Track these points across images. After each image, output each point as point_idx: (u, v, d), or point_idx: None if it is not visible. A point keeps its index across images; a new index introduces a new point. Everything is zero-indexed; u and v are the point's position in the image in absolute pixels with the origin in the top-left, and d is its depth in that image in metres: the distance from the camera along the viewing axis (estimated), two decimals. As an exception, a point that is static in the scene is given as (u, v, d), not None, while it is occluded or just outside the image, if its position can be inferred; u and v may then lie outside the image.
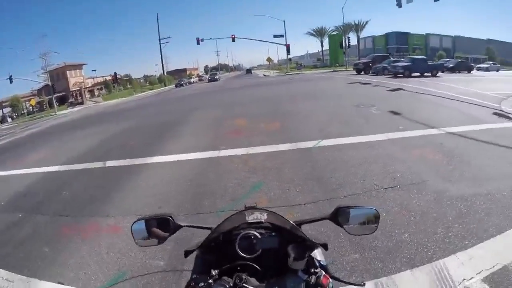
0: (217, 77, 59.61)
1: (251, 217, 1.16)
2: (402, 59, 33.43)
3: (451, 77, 25.50)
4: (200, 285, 0.95)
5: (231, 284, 0.95)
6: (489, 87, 15.34)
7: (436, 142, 6.37)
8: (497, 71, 39.93)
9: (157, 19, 67.25)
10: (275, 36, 51.01)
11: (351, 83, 21.87)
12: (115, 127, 12.79)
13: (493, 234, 3.13)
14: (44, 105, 49.57)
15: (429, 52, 65.01)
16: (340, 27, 60.14)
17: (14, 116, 46.60)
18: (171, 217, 1.21)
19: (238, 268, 1.03)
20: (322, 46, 71.73)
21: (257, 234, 1.09)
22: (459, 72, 31.67)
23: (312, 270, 1.01)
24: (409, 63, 27.03)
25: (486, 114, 8.94)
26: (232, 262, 1.05)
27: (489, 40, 64.79)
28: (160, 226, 1.22)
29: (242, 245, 1.08)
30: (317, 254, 1.16)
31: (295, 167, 5.64)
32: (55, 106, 41.39)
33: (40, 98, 50.34)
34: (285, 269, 1.02)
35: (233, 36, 48.16)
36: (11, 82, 38.07)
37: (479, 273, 2.57)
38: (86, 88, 59.08)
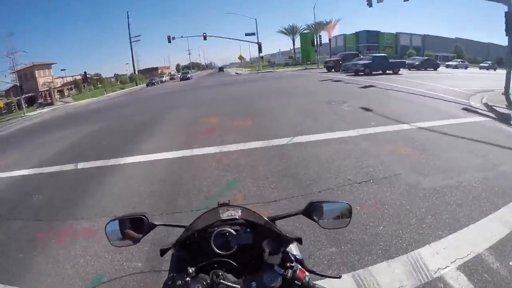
0: (189, 75, 58.97)
1: (225, 214, 1.17)
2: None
3: (418, 74, 26.19)
4: (177, 283, 0.95)
5: (208, 281, 0.96)
6: (458, 84, 15.98)
7: (407, 137, 6.57)
8: (466, 68, 41.68)
9: (127, 17, 65.58)
10: (246, 35, 50.84)
11: (322, 80, 22.18)
12: (86, 128, 12.40)
13: (465, 224, 3.27)
14: (13, 107, 47.42)
15: (400, 50, 67.12)
16: (312, 26, 60.83)
17: (-20, 119, 44.38)
18: (145, 216, 1.21)
19: (215, 265, 1.03)
20: (294, 44, 72.52)
21: (232, 231, 1.10)
22: (425, 70, 32.58)
23: (288, 264, 1.03)
24: (370, 61, 26.92)
25: (455, 109, 9.31)
26: (208, 260, 1.05)
27: (457, 39, 67.52)
28: (135, 226, 1.21)
29: (217, 242, 1.09)
30: (293, 248, 1.19)
31: (269, 164, 5.67)
32: (24, 107, 39.70)
33: (8, 99, 48.11)
34: (261, 265, 1.03)
35: (204, 34, 47.65)
36: (-23, 83, 36.20)
37: (454, 261, 2.68)
38: (56, 88, 57.01)
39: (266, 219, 1.16)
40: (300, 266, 1.05)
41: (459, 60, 47.78)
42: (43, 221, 4.54)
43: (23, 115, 34.80)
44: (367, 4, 22.54)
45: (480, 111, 9.14)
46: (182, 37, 58.66)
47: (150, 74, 78.03)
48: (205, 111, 12.43)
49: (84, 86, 53.65)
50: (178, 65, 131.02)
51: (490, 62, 45.55)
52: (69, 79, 64.41)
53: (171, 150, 7.25)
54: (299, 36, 67.35)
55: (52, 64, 60.83)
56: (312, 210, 1.20)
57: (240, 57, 63.03)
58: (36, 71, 55.43)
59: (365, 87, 16.05)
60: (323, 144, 6.45)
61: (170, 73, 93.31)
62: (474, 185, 4.17)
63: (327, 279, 1.19)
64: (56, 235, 4.05)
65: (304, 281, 1.01)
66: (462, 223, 3.30)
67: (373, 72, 25.27)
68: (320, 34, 55.74)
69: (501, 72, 18.53)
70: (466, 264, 2.65)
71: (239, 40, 57.59)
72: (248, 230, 1.13)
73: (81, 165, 7.02)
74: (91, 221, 4.26)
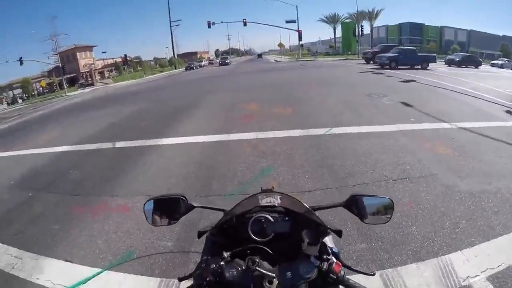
0: (228, 61, 58.92)
1: (265, 201, 1.16)
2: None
3: (459, 71, 24.25)
4: (211, 266, 0.95)
5: (243, 267, 0.95)
6: (502, 84, 15.01)
7: (447, 136, 6.29)
8: (512, 68, 38.97)
9: (168, 1, 66.63)
10: (287, 22, 50.36)
11: (362, 72, 21.53)
12: (125, 110, 12.81)
13: (500, 233, 3.10)
14: (55, 87, 49.97)
15: (444, 44, 63.92)
16: (354, 15, 59.23)
17: (25, 97, 47.06)
18: (184, 197, 1.21)
19: (249, 251, 1.02)
20: (334, 33, 70.84)
21: (270, 218, 1.08)
22: (466, 67, 30.13)
23: (325, 257, 1.00)
24: (396, 54, 25.26)
25: (498, 111, 8.77)
26: (243, 245, 1.04)
27: (504, 37, 63.31)
28: (173, 207, 1.22)
29: (254, 228, 1.07)
30: (328, 241, 1.16)
31: (305, 153, 5.64)
32: (65, 87, 41.66)
33: (50, 79, 50.73)
34: (297, 254, 1.01)
35: (244, 20, 47.79)
36: (21, 64, 38.35)
37: (484, 271, 2.56)
38: (96, 69, 59.34)
39: (308, 207, 1.14)
40: (336, 260, 1.02)
41: (506, 59, 44.74)
42: (80, 196, 4.78)
43: (64, 94, 36.54)
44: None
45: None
46: (222, 22, 59.12)
47: (189, 59, 79.25)
48: (243, 97, 12.50)
49: (124, 68, 55.54)
50: (217, 50, 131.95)
51: None
52: (110, 61, 66.79)
53: (208, 134, 7.35)
54: (340, 26, 65.79)
55: (94, 46, 63.32)
56: (353, 203, 1.17)
57: (280, 44, 62.73)
58: (77, 53, 57.91)
59: (406, 81, 15.46)
60: (361, 137, 6.33)
61: (209, 57, 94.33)
62: (512, 193, 3.93)
63: (361, 275, 1.16)
64: (91, 210, 4.24)
65: (339, 275, 0.98)
66: (497, 231, 3.12)
67: (399, 67, 23.53)
68: (362, 24, 54.31)
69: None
70: (496, 275, 2.52)
71: (279, 27, 57.20)
72: (287, 218, 1.12)
73: (119, 144, 7.29)
74: (125, 199, 4.43)
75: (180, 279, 1.05)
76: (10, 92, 48.75)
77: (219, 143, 6.65)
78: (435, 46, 62.38)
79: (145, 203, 1.23)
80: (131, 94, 20.64)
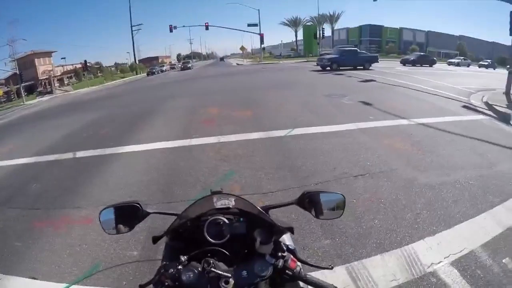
0: (190, 65, 58.05)
1: (219, 203, 1.17)
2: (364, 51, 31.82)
3: (414, 70, 25.11)
4: (169, 271, 0.97)
5: (199, 269, 0.96)
6: (458, 81, 15.92)
7: (406, 132, 6.57)
8: (468, 66, 41.27)
9: (129, 5, 65.05)
10: (249, 25, 50.48)
11: (323, 73, 22.08)
12: (85, 118, 12.33)
13: (460, 220, 3.30)
14: (12, 95, 47.30)
15: (403, 45, 66.77)
16: (315, 18, 60.52)
17: (-20, 107, 44.27)
18: (139, 204, 1.21)
19: (208, 254, 1.04)
20: (296, 36, 72.41)
21: (225, 220, 1.10)
22: (421, 66, 31.34)
23: (280, 254, 1.03)
24: (337, 55, 25.23)
25: (455, 107, 9.29)
26: (200, 248, 1.06)
27: (461, 37, 67.10)
28: (128, 214, 1.21)
29: (210, 230, 1.09)
30: (286, 238, 1.19)
31: (266, 155, 5.69)
32: (23, 95, 39.57)
33: (7, 87, 47.95)
34: (253, 254, 1.04)
35: (206, 24, 47.38)
36: (-24, 71, 36.02)
37: (447, 257, 2.70)
38: (56, 76, 56.71)
39: (259, 208, 1.16)
40: (292, 256, 1.05)
41: (462, 57, 47.40)
42: (41, 210, 4.55)
43: (22, 103, 34.66)
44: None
45: (480, 109, 9.10)
46: (184, 26, 57.82)
47: (151, 64, 77.30)
48: (205, 102, 12.39)
49: (84, 75, 53.37)
50: (179, 55, 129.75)
51: (489, 60, 45.07)
52: (69, 67, 63.99)
53: (169, 139, 7.24)
54: (302, 29, 66.99)
55: (52, 52, 60.43)
56: (305, 200, 1.20)
57: (242, 48, 62.80)
58: (36, 59, 55.14)
59: (365, 81, 16.03)
60: (321, 137, 6.46)
61: (170, 62, 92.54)
62: (470, 182, 4.19)
63: (320, 270, 1.20)
64: (53, 223, 4.06)
65: (295, 271, 1.02)
66: (457, 219, 3.32)
67: (341, 68, 23.83)
68: (323, 27, 55.56)
69: (502, 72, 18.47)
70: (459, 260, 2.68)
71: (241, 30, 57.90)
72: (242, 219, 1.14)
73: (79, 154, 7.03)
74: (88, 210, 4.28)
75: (141, 286, 1.04)
76: (-37, 102, 45.72)
77: (180, 149, 6.57)
78: (395, 47, 64.97)
79: (100, 213, 1.23)
80: (91, 102, 19.91)
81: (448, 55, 54.68)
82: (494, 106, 9.23)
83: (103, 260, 3.15)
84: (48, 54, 59.10)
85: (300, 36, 68.55)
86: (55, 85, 50.67)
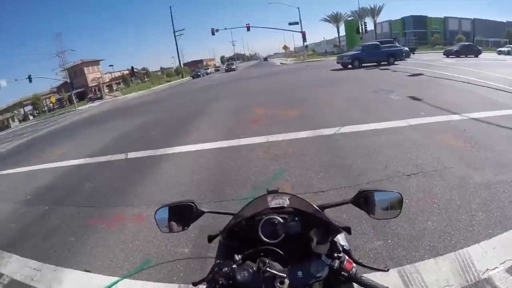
0: (234, 67, 59.10)
1: (274, 202, 1.17)
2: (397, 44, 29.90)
3: (457, 61, 23.60)
4: (223, 270, 0.97)
5: (254, 269, 0.96)
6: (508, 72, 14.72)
7: (458, 127, 6.21)
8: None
9: (171, 12, 67.05)
10: (290, 24, 50.38)
11: (369, 69, 21.39)
12: (135, 121, 12.97)
13: (517, 223, 3.05)
14: (64, 102, 50.80)
15: (448, 35, 63.04)
16: (356, 13, 58.99)
17: (36, 114, 47.87)
18: (193, 203, 1.23)
19: (262, 253, 1.03)
20: (338, 32, 70.74)
21: (280, 219, 1.09)
22: (465, 56, 29.31)
23: (336, 255, 1.01)
24: (358, 52, 24.01)
25: (508, 100, 8.61)
26: (255, 248, 1.05)
27: (508, 23, 62.06)
28: (183, 213, 1.24)
29: (265, 230, 1.08)
30: (340, 239, 1.16)
31: (316, 154, 5.63)
32: (75, 102, 42.33)
33: (59, 95, 51.59)
34: (308, 254, 1.02)
35: (247, 25, 47.89)
36: (30, 81, 39.06)
37: (503, 263, 2.51)
38: (104, 83, 60.08)
39: (315, 207, 1.14)
40: (347, 257, 1.02)
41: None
42: (94, 208, 4.85)
43: (74, 109, 37.10)
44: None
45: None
46: (225, 29, 59.21)
47: (195, 67, 79.64)
48: (252, 102, 12.56)
49: (131, 80, 56.28)
50: (222, 57, 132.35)
51: None
52: (117, 74, 67.57)
53: (217, 140, 7.39)
54: (343, 24, 65.59)
55: (100, 60, 64.21)
56: (361, 199, 1.17)
57: (284, 47, 62.70)
58: (85, 68, 58.82)
59: (413, 75, 15.33)
60: (371, 134, 6.30)
61: (215, 64, 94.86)
62: (529, 182, 3.86)
63: (373, 272, 1.15)
64: (106, 220, 4.31)
65: (351, 272, 0.99)
66: (514, 222, 3.07)
67: (363, 64, 22.69)
68: (365, 21, 54.09)
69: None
70: (515, 266, 2.48)
71: (283, 29, 57.38)
72: (296, 218, 1.12)
73: (130, 155, 7.38)
74: (140, 208, 4.49)
75: (195, 284, 1.06)
76: (21, 110, 49.67)
77: (229, 149, 6.68)
78: (440, 37, 61.63)
79: (156, 211, 1.25)
80: (139, 106, 20.88)
81: (498, 44, 50.69)
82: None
83: (154, 256, 3.28)
84: (96, 62, 62.76)
85: (342, 31, 67.17)
86: (105, 91, 53.71)
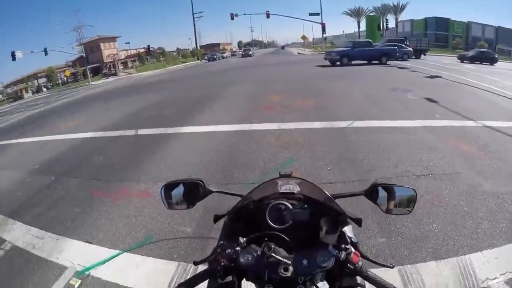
0: (250, 52, 58.48)
1: (284, 187, 1.14)
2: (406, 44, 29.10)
3: (472, 67, 22.74)
4: (227, 251, 0.95)
5: (258, 253, 0.94)
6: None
7: (472, 134, 6.09)
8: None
9: (191, -6, 66.55)
10: (310, 14, 49.53)
11: (385, 66, 20.97)
12: (148, 98, 13.02)
13: (522, 237, 3.00)
14: (79, 76, 51.09)
15: (470, 40, 61.47)
16: (378, 9, 57.84)
17: (49, 86, 48.29)
18: (201, 181, 1.20)
19: (266, 238, 1.00)
20: (359, 27, 69.39)
21: (289, 205, 1.07)
22: (480, 63, 28.03)
23: (343, 246, 0.98)
24: (348, 48, 22.54)
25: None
26: (260, 231, 1.03)
27: (534, 34, 60.11)
28: (190, 191, 1.21)
29: (272, 215, 1.07)
30: (348, 231, 1.13)
31: (327, 145, 5.59)
32: (89, 77, 42.58)
33: (74, 69, 51.91)
34: (315, 243, 1.00)
35: (267, 13, 47.29)
36: (46, 54, 39.00)
37: (503, 274, 2.49)
38: (120, 60, 60.23)
39: (328, 194, 1.12)
40: (354, 250, 1.00)
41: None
42: (101, 181, 4.91)
43: (87, 84, 37.31)
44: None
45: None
46: (245, 14, 58.39)
47: (212, 50, 79.08)
48: (266, 89, 12.49)
49: (147, 59, 56.32)
50: (240, 42, 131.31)
51: None
52: (133, 52, 67.53)
53: (231, 123, 7.40)
54: (364, 19, 64.47)
55: (117, 37, 64.24)
56: (374, 192, 1.14)
57: (303, 37, 61.86)
58: (101, 44, 58.90)
59: (431, 77, 15.04)
60: (384, 131, 6.24)
61: (231, 49, 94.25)
62: (538, 196, 3.77)
63: (380, 267, 1.13)
64: (112, 194, 4.36)
65: (357, 265, 0.96)
66: (520, 235, 3.03)
67: (352, 63, 21.46)
68: (387, 18, 53.08)
69: None
70: (516, 279, 2.46)
71: (302, 19, 56.55)
72: (306, 206, 1.10)
73: (141, 132, 7.41)
74: (147, 184, 4.53)
75: (196, 263, 1.04)
76: (35, 81, 50.12)
77: (241, 132, 6.68)
78: (461, 42, 60.20)
79: (162, 187, 1.22)
80: (153, 84, 20.89)
81: (519, 54, 49.28)
82: None
83: (156, 232, 3.31)
84: (113, 39, 62.82)
85: (363, 27, 65.97)
86: (119, 67, 53.88)
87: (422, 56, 30.91)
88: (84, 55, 42.70)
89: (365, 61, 22.13)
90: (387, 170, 4.51)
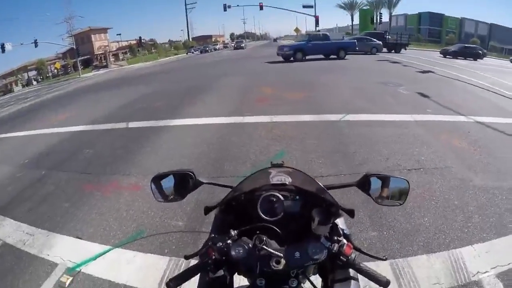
0: (243, 45, 58.11)
1: (275, 179, 1.13)
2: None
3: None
4: (218, 244, 0.93)
5: (250, 245, 0.93)
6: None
7: (463, 129, 6.14)
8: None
9: (183, -14, 65.93)
10: (304, 7, 49.36)
11: (379, 60, 20.97)
12: (139, 91, 12.89)
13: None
14: (69, 68, 50.33)
15: (463, 36, 61.86)
16: (372, 2, 57.82)
17: (39, 79, 47.50)
18: (192, 172, 1.18)
19: (258, 230, 0.99)
20: (352, 20, 69.35)
21: (280, 197, 1.06)
22: (464, 59, 27.67)
23: (336, 238, 0.97)
24: (302, 43, 21.40)
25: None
26: (252, 224, 1.02)
27: (526, 32, 60.61)
28: (181, 182, 1.18)
29: (263, 207, 1.05)
30: (340, 222, 1.11)
31: (319, 139, 5.60)
32: (80, 69, 41.98)
33: (64, 61, 51.05)
34: (307, 235, 0.99)
35: (261, 4, 46.84)
36: (36, 46, 38.34)
37: (494, 268, 2.52)
38: (111, 52, 59.42)
39: (320, 185, 1.10)
40: (347, 242, 0.98)
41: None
42: (91, 175, 4.85)
43: (78, 76, 36.80)
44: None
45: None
46: (238, 6, 57.80)
47: (204, 42, 78.74)
48: (258, 81, 12.43)
49: (138, 50, 55.70)
50: (232, 34, 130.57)
51: None
52: (124, 44, 66.67)
53: (222, 115, 7.36)
54: (358, 12, 64.40)
55: (108, 28, 63.15)
56: (367, 183, 1.13)
57: (296, 30, 61.38)
58: (92, 35, 57.91)
59: (423, 72, 15.08)
60: (376, 125, 6.26)
61: (223, 41, 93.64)
62: (528, 191, 3.82)
63: (373, 259, 1.12)
64: (102, 188, 4.31)
65: (349, 257, 0.94)
66: (509, 229, 3.05)
67: (307, 57, 20.39)
68: (381, 12, 53.08)
69: None
70: (506, 272, 2.48)
71: (296, 12, 56.24)
72: (297, 197, 1.09)
73: (132, 124, 7.34)
74: (137, 177, 4.49)
75: (187, 257, 1.03)
76: (25, 74, 49.21)
77: (233, 125, 6.65)
78: (454, 38, 60.54)
79: (152, 178, 1.19)
80: (144, 76, 20.63)
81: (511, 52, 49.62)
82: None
83: (147, 227, 3.28)
84: (104, 30, 61.83)
85: (356, 20, 65.94)
86: (110, 60, 53.19)
87: (403, 50, 30.90)
88: (74, 46, 42.07)
89: (322, 56, 21.27)
90: (379, 163, 4.53)
